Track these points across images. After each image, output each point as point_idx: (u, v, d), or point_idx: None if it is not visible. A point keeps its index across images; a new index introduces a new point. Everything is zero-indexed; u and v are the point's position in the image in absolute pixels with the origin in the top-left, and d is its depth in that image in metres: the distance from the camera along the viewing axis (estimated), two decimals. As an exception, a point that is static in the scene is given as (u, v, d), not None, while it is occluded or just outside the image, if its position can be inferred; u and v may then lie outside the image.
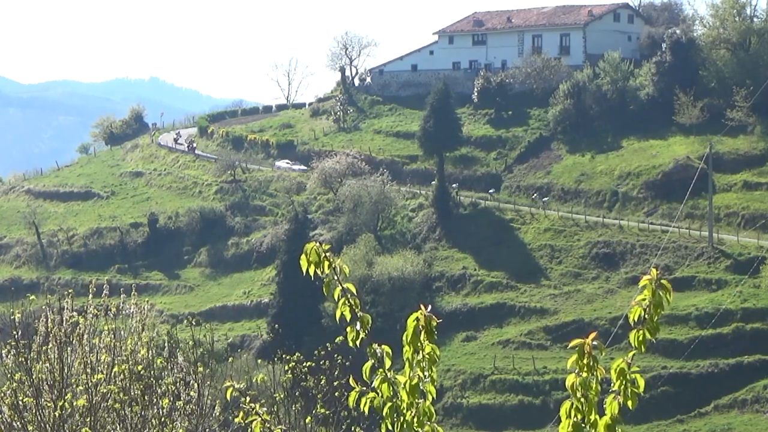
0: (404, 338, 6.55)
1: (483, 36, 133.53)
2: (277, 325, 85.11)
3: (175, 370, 15.53)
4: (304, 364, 17.65)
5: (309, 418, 17.12)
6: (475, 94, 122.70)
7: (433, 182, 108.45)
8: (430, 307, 6.78)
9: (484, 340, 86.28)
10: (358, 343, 6.69)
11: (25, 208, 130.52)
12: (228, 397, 7.66)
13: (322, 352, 18.65)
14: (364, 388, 6.70)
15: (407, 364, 6.57)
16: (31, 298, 17.27)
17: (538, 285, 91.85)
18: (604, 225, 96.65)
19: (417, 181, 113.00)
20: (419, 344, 6.54)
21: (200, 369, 15.61)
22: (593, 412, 6.29)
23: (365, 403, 6.62)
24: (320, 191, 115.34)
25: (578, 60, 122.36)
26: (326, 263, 6.73)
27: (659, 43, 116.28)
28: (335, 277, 6.73)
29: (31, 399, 14.19)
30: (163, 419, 14.87)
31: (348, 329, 6.73)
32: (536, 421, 73.92)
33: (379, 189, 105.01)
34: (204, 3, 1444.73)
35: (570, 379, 6.28)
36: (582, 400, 6.26)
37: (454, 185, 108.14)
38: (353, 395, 6.71)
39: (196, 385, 15.32)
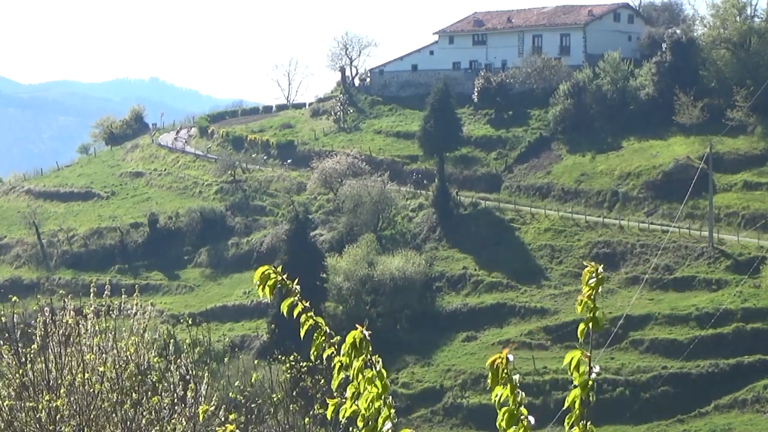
0: (342, 350, 6.57)
1: (483, 36, 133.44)
2: (273, 326, 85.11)
3: (174, 370, 15.46)
4: (302, 364, 17.60)
5: (308, 419, 17.06)
6: (476, 94, 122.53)
7: (434, 183, 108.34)
8: (367, 323, 6.85)
9: (485, 340, 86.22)
10: (323, 357, 6.73)
11: (25, 208, 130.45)
12: (201, 418, 7.68)
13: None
14: (342, 399, 6.67)
15: (356, 379, 6.55)
16: (13, 298, 17.18)
17: (539, 285, 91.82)
18: (604, 225, 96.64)
19: (417, 181, 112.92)
20: (371, 360, 6.53)
21: (199, 370, 15.54)
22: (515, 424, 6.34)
23: (343, 414, 6.61)
24: (320, 191, 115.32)
25: (578, 60, 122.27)
26: (271, 288, 6.74)
27: (659, 43, 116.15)
28: (294, 298, 6.76)
29: (21, 398, 14.13)
30: (160, 418, 14.80)
31: (314, 343, 6.73)
32: (536, 421, 73.02)
33: (380, 189, 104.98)
34: (204, 3, 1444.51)
35: (495, 392, 6.41)
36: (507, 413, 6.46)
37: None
38: (330, 409, 6.69)
39: (194, 385, 15.25)
